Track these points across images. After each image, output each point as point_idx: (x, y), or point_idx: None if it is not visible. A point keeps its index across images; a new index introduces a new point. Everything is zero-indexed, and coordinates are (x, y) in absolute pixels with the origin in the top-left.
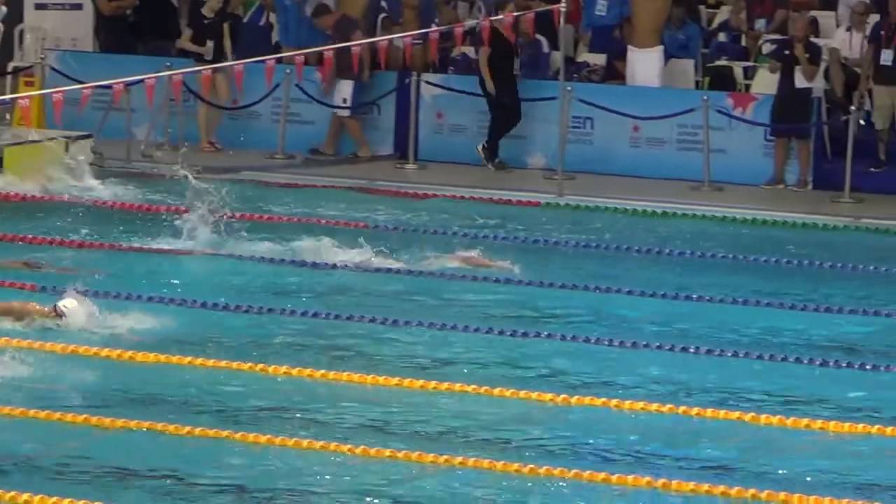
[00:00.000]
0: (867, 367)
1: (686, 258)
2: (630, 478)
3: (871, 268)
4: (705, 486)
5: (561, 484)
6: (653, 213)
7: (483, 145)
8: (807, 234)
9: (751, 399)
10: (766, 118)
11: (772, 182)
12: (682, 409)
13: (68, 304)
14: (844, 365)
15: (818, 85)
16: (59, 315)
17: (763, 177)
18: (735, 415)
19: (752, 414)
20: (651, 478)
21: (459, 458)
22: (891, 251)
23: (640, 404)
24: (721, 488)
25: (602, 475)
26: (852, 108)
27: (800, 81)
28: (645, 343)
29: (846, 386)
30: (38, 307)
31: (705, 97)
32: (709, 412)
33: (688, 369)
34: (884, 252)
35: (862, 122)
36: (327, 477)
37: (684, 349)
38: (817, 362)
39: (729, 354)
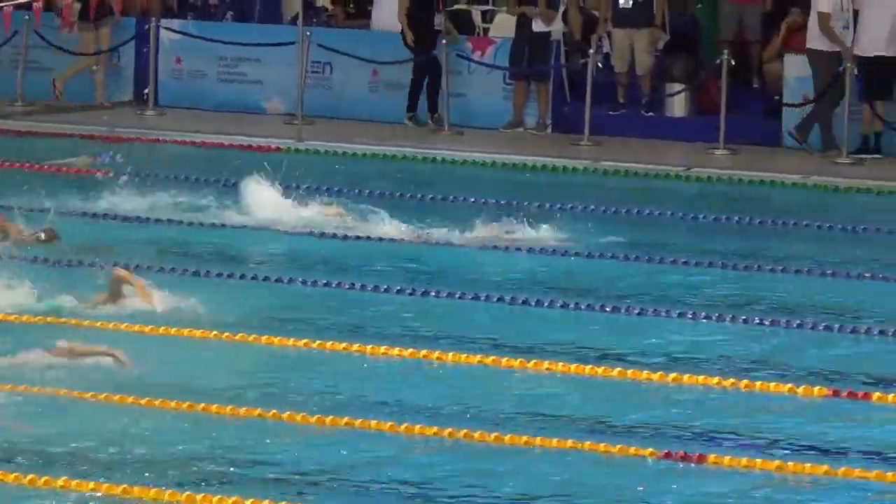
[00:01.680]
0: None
1: (427, 202)
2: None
3: (612, 210)
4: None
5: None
6: (393, 157)
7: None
8: (546, 177)
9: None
10: (505, 62)
11: (511, 125)
12: None
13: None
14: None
15: (557, 28)
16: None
17: (502, 120)
18: None
19: None
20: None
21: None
22: (628, 193)
23: None
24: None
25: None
26: (591, 51)
27: (538, 25)
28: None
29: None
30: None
31: (444, 41)
32: None
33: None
34: (621, 194)
35: (600, 65)
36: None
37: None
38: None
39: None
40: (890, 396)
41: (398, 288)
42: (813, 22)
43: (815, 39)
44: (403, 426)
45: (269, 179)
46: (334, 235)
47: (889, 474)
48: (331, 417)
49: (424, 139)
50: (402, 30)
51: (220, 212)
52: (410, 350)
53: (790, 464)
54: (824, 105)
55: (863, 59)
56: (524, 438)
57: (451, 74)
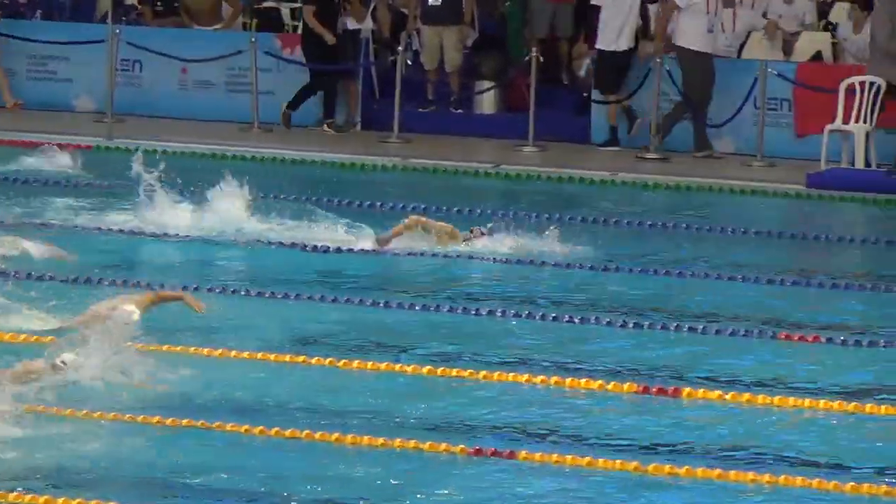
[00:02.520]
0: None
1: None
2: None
3: (421, 207)
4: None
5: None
6: (203, 156)
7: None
8: (356, 174)
9: None
10: None
11: (320, 123)
12: None
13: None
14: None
15: (366, 25)
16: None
17: (312, 118)
18: None
19: None
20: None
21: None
22: (437, 190)
23: None
24: None
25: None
26: (399, 48)
27: (349, 23)
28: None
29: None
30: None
31: (253, 38)
32: None
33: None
34: (430, 192)
35: (409, 62)
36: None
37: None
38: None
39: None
40: (700, 392)
41: None
42: (686, 19)
43: (683, 37)
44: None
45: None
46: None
47: (699, 469)
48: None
49: (234, 137)
50: (319, 32)
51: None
52: None
53: (600, 460)
54: (693, 105)
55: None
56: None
57: (261, 72)
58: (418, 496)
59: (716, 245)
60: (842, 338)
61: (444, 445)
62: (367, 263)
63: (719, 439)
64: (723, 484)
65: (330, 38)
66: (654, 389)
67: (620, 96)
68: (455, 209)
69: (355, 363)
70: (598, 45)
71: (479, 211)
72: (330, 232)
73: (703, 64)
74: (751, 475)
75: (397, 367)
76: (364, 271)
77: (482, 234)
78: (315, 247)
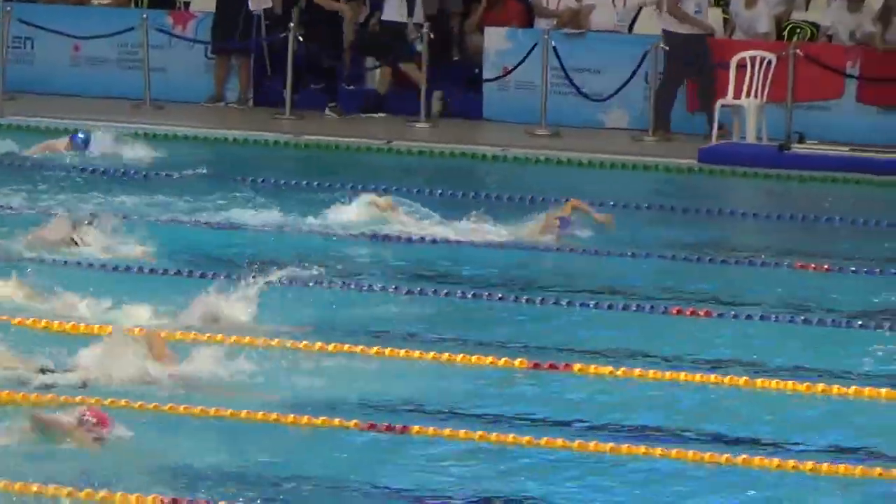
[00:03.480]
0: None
1: (128, 177)
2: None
3: (315, 184)
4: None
5: None
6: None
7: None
8: (248, 151)
9: None
10: (206, 36)
11: (213, 100)
12: None
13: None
14: None
15: (258, 2)
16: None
17: (204, 94)
18: None
19: None
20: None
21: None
22: (330, 167)
23: None
24: None
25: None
26: (291, 24)
27: (251, 3)
28: None
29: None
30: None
31: (144, 15)
32: None
33: None
34: (323, 168)
35: (301, 38)
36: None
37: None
38: None
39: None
40: (592, 367)
41: None
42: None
43: (669, 21)
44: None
45: None
46: None
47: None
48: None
49: (125, 113)
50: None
51: None
52: None
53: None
54: (667, 86)
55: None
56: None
57: (152, 49)
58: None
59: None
60: (733, 312)
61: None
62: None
63: (598, 412)
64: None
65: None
66: (545, 365)
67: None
68: (349, 186)
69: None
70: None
71: (371, 186)
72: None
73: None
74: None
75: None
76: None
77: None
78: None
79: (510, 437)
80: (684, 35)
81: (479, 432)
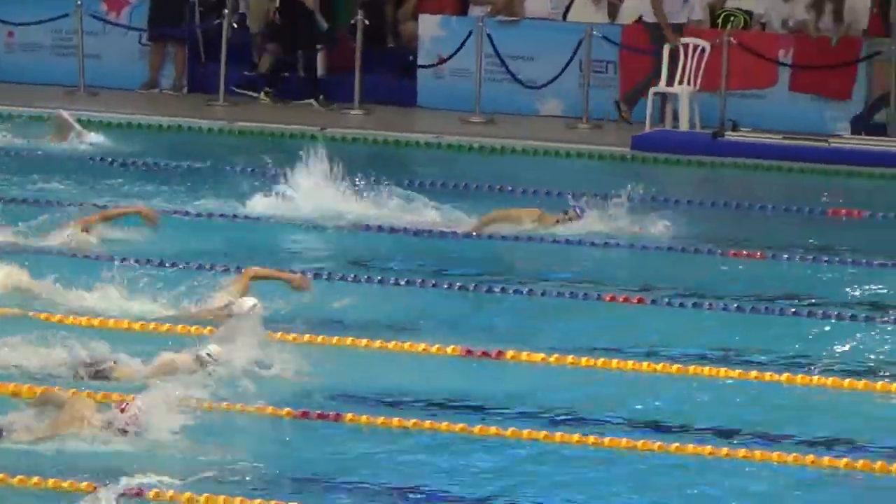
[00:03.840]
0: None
1: (62, 160)
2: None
3: (249, 170)
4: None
5: None
6: (30, 118)
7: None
8: (182, 137)
9: None
10: (141, 22)
11: (147, 86)
12: None
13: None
14: None
15: None
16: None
17: (138, 81)
18: None
19: None
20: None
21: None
22: (264, 153)
23: None
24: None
25: None
26: (225, 10)
27: None
28: None
29: None
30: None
31: (79, 2)
32: None
33: None
34: (256, 155)
35: (235, 25)
36: None
37: None
38: None
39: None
40: (523, 354)
41: None
42: None
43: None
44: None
45: None
46: None
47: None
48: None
49: (60, 100)
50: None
51: None
52: None
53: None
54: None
55: None
56: None
57: (87, 35)
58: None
59: (543, 207)
60: (667, 300)
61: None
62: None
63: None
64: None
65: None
66: (477, 353)
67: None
68: (282, 173)
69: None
70: None
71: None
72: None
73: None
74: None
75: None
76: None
77: (577, 215)
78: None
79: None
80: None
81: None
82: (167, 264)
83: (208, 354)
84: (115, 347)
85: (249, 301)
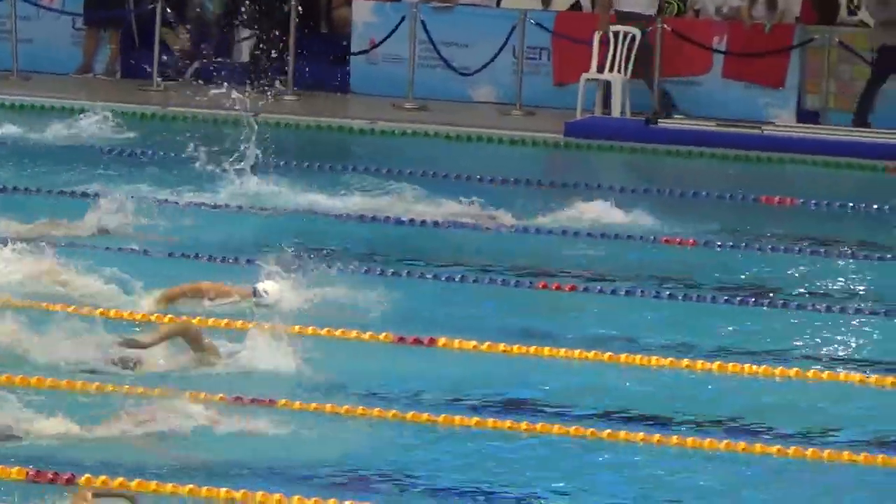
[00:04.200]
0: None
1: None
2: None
3: (181, 155)
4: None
5: None
6: None
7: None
8: (118, 122)
9: None
10: (74, 7)
11: (81, 71)
12: None
13: (268, 287)
14: None
15: None
16: (258, 296)
17: (71, 66)
18: None
19: None
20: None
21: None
22: (196, 138)
23: None
24: None
25: None
26: None
27: None
28: None
29: None
30: (231, 288)
31: None
32: None
33: None
34: (189, 139)
35: (169, 10)
36: None
37: None
38: None
39: None
40: (456, 342)
41: None
42: None
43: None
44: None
45: None
46: None
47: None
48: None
49: None
50: None
51: None
52: None
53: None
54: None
55: None
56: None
57: (20, 20)
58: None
59: (477, 193)
60: (598, 287)
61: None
62: None
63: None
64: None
65: None
66: (409, 339)
67: None
68: (214, 158)
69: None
70: None
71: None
72: None
73: None
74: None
75: None
76: None
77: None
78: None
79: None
80: None
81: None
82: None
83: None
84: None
85: (273, 285)
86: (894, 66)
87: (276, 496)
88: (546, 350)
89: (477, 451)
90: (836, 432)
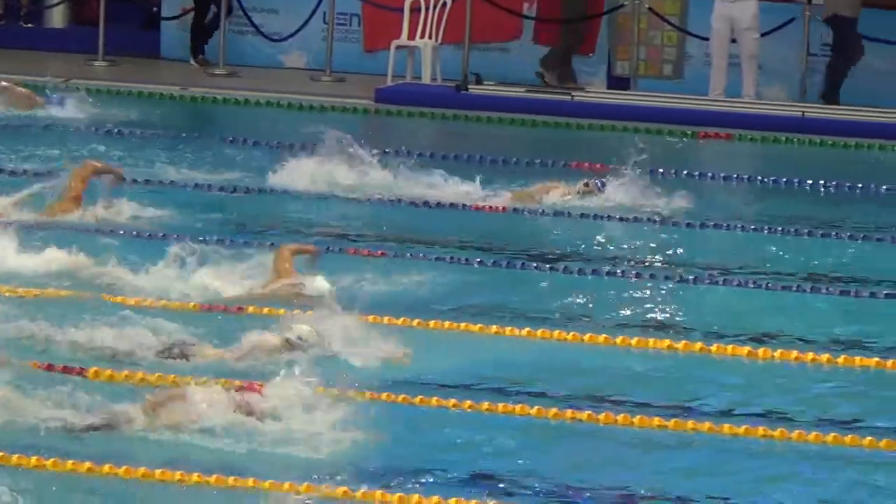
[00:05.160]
0: None
1: None
2: None
3: None
4: None
5: None
6: None
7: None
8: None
9: None
10: None
11: None
12: None
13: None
14: None
15: None
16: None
17: None
18: None
19: None
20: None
21: None
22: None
23: None
24: None
25: None
26: None
27: None
28: None
29: None
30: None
31: None
32: None
33: None
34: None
35: None
36: None
37: None
38: None
39: None
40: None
41: None
42: None
43: None
44: None
45: None
46: None
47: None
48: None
49: None
50: None
51: None
52: None
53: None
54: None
55: None
56: None
57: None
58: None
59: (282, 160)
60: (409, 254)
61: None
62: None
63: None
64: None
65: None
66: None
67: None
68: (25, 124)
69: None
70: None
71: (59, 126)
72: None
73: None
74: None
75: None
76: None
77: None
78: None
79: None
80: None
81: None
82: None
83: (299, 337)
84: (187, 329)
85: (323, 283)
86: (846, 35)
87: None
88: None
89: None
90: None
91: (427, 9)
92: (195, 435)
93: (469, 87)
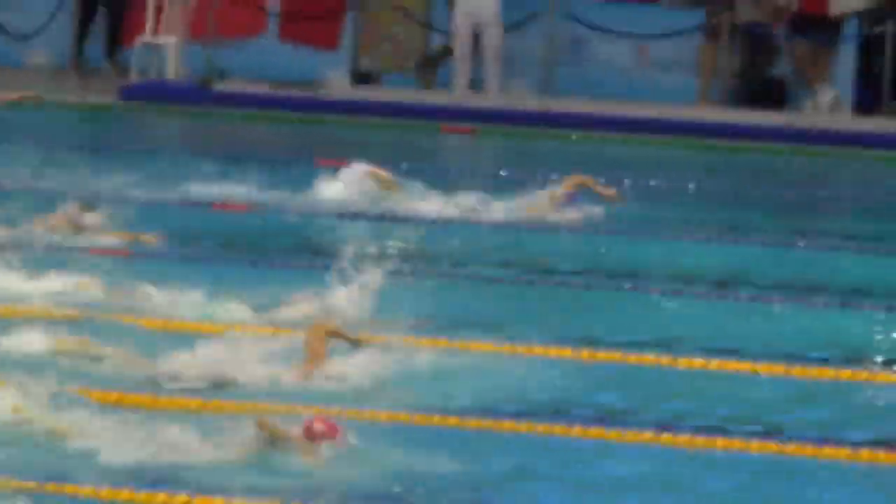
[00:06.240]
0: None
1: None
2: None
3: None
4: None
5: None
6: None
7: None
8: None
9: None
10: None
11: None
12: None
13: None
14: None
15: None
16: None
17: None
18: None
19: None
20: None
21: None
22: None
23: None
24: None
25: None
26: None
27: None
28: None
29: None
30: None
31: None
32: None
33: None
34: None
35: None
36: None
37: None
38: None
39: None
40: None
41: None
42: None
43: None
44: None
45: None
46: None
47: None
48: None
49: None
50: None
51: None
52: None
53: None
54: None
55: None
56: None
57: None
58: None
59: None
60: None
61: None
62: None
63: None
64: None
65: None
66: None
67: None
68: None
69: None
70: None
71: None
72: None
73: None
74: None
75: None
76: None
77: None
78: None
79: None
80: None
81: None
82: None
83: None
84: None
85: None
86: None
87: None
88: None
89: None
90: None
91: (172, 5)
92: None
93: (213, 83)
